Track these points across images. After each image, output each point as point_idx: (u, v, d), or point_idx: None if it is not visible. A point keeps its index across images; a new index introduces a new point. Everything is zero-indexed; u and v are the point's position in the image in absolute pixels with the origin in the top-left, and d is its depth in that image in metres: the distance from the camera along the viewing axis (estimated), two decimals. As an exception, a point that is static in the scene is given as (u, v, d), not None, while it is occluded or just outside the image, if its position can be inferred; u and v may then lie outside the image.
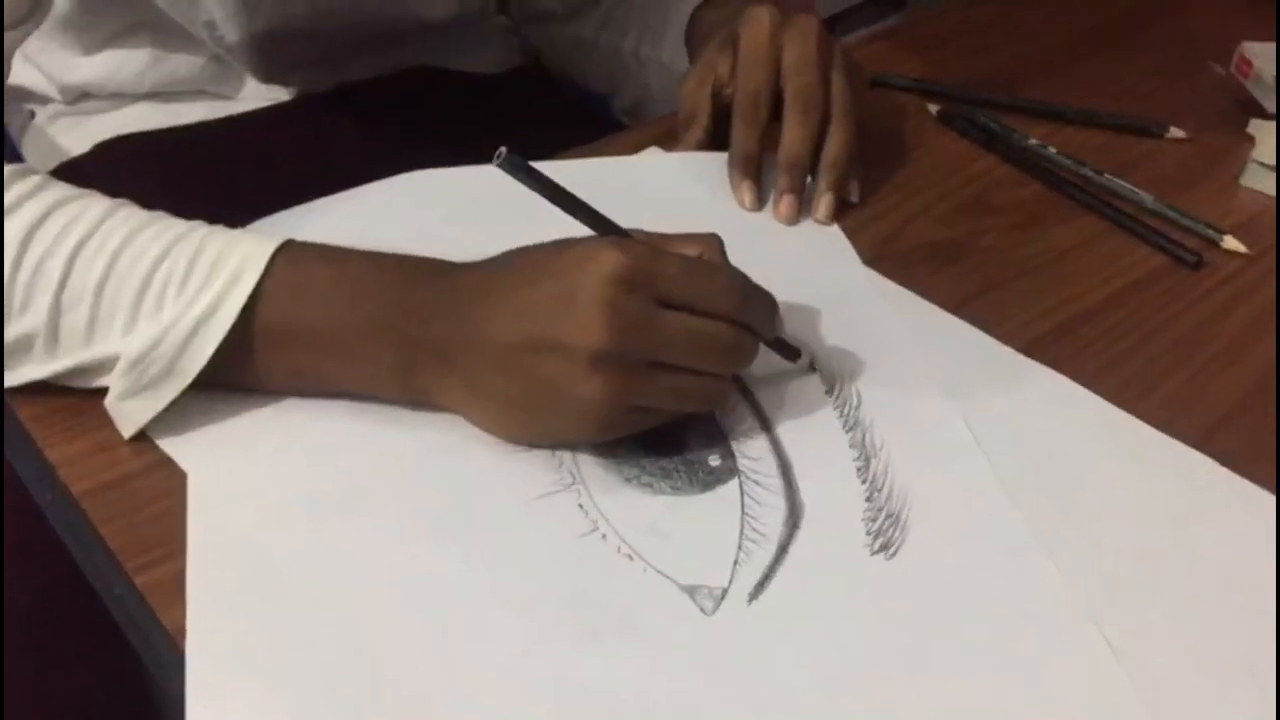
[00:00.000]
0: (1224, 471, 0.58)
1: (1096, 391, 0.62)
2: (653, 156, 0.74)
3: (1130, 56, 0.88)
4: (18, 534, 0.71)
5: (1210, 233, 0.72)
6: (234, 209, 0.60)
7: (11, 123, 0.91)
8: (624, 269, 0.52)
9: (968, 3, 0.95)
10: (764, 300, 0.58)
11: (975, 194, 0.75)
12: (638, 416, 0.55)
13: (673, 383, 0.54)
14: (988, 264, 0.70)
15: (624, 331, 0.52)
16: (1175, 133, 0.81)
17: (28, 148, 0.90)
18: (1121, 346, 0.65)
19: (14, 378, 0.55)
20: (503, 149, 0.53)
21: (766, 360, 0.60)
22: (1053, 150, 0.78)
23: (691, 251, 0.57)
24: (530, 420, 0.55)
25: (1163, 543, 0.56)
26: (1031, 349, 0.64)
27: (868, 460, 0.58)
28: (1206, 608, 0.53)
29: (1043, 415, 0.61)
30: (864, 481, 0.57)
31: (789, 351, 0.61)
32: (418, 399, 0.56)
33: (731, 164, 0.73)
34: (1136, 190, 0.75)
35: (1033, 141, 0.78)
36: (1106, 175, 0.76)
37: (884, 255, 0.70)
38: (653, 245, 0.55)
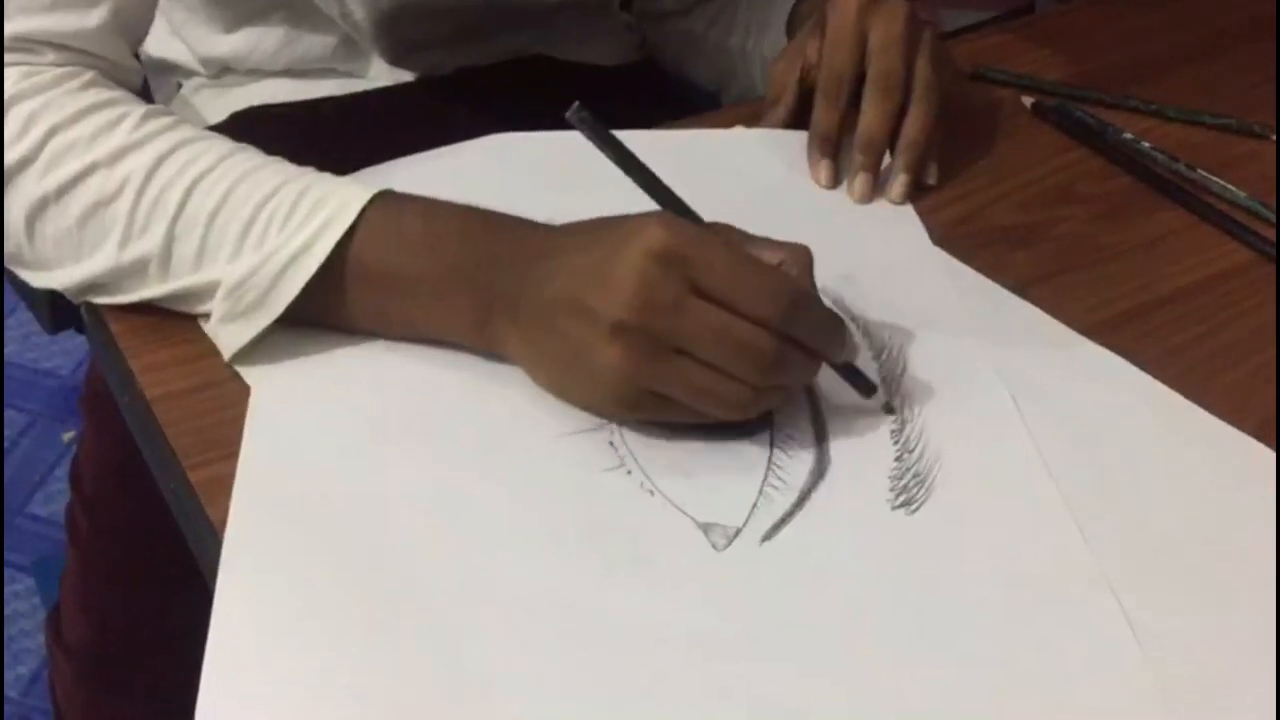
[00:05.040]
0: (1272, 457, 0.57)
1: (1156, 376, 0.61)
2: (735, 132, 0.75)
3: (1247, 65, 0.85)
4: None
5: (1301, 229, 0.70)
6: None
7: (159, 93, 0.98)
8: (663, 246, 0.52)
9: (1085, 5, 0.94)
10: (823, 319, 0.55)
11: (1060, 184, 0.75)
12: (659, 403, 0.55)
13: (694, 377, 0.53)
14: (1061, 250, 0.70)
15: (647, 308, 0.52)
16: (1282, 134, 0.78)
17: (173, 116, 0.97)
18: (1189, 335, 0.64)
19: (128, 296, 0.60)
20: (577, 102, 0.55)
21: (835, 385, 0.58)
22: (1146, 145, 0.76)
23: (772, 257, 0.55)
24: (563, 379, 0.57)
25: (1198, 522, 0.55)
26: (1094, 332, 0.64)
27: (904, 424, 0.58)
28: (1233, 590, 0.52)
29: (1092, 393, 0.60)
30: (896, 443, 0.57)
31: (863, 384, 0.58)
32: (491, 348, 0.59)
33: (811, 142, 0.73)
34: (1228, 186, 0.73)
35: (1127, 135, 0.77)
36: (1200, 171, 0.74)
37: (955, 237, 0.70)
38: (708, 232, 0.55)
